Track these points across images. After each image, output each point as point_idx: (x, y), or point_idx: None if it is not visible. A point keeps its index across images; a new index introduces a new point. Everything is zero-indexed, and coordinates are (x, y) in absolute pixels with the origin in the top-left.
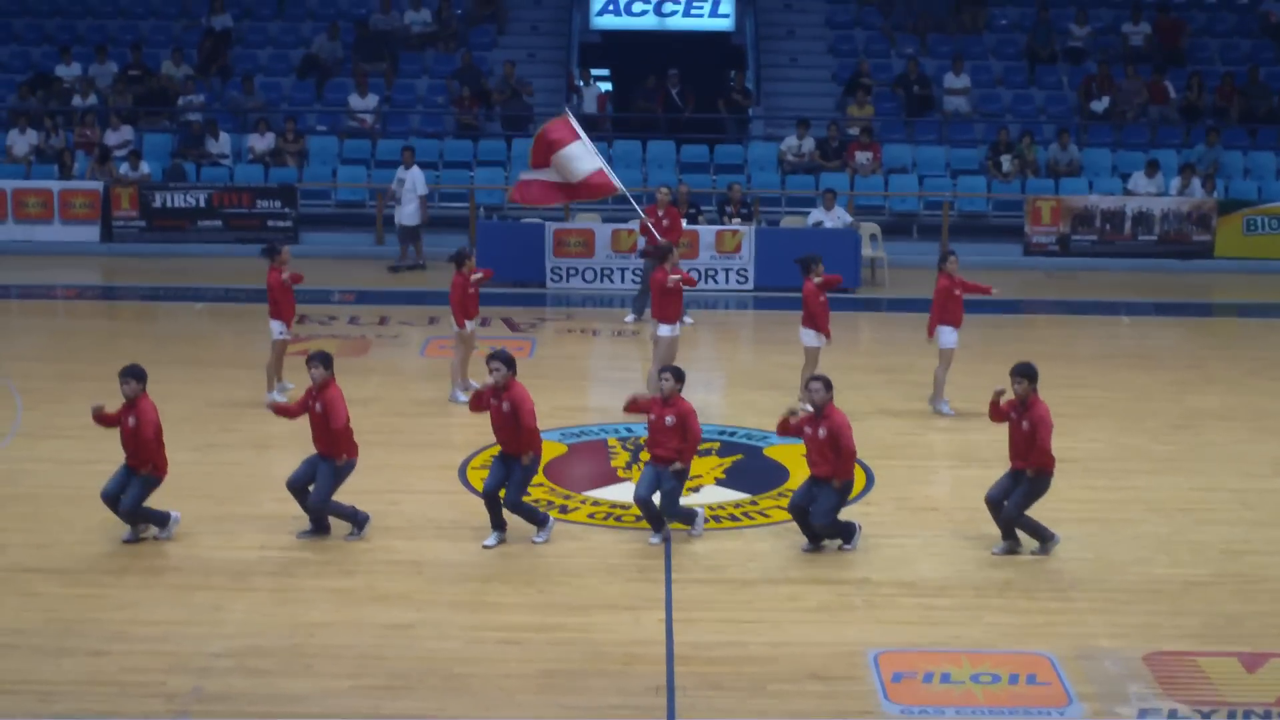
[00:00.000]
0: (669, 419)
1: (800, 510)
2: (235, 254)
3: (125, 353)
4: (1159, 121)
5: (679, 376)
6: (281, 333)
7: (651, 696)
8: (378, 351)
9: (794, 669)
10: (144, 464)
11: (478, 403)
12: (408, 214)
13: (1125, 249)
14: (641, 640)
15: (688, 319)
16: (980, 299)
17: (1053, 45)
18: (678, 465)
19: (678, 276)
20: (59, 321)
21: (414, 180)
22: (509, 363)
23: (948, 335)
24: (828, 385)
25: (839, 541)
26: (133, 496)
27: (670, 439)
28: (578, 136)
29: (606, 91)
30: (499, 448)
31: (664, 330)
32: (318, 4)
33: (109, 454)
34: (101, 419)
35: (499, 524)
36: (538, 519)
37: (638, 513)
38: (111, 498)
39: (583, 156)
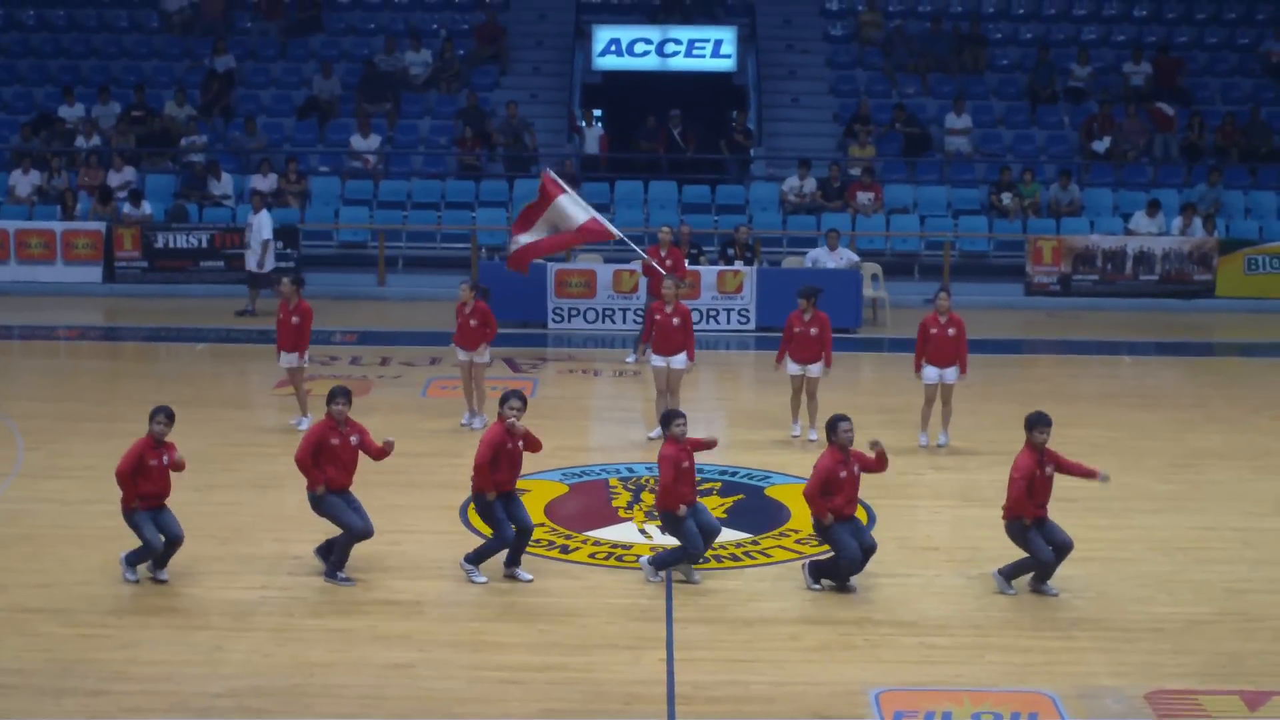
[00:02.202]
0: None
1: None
2: (237, 295)
3: (127, 393)
4: (1161, 160)
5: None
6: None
7: None
8: (380, 392)
9: (795, 708)
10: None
11: (499, 444)
12: (255, 260)
13: (1127, 288)
14: (642, 680)
15: (630, 358)
16: (981, 338)
17: (1054, 85)
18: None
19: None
20: (61, 362)
21: (259, 225)
22: (525, 402)
23: (925, 371)
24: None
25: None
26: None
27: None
28: (563, 190)
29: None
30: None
31: (655, 361)
32: (320, 45)
33: (109, 494)
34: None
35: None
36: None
37: (639, 553)
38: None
39: (572, 207)
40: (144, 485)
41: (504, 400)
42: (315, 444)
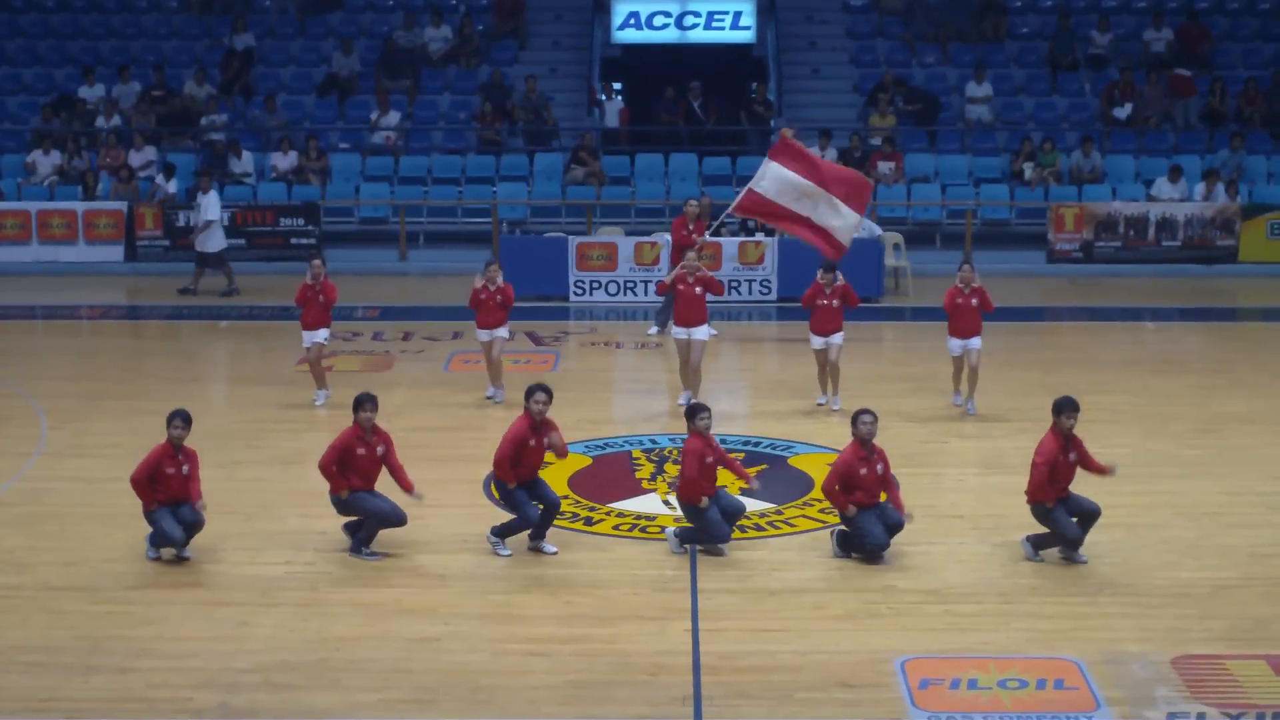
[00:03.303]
0: (708, 458)
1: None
2: (259, 272)
3: (150, 372)
4: (1183, 127)
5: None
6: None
7: (679, 706)
8: (402, 367)
9: (821, 677)
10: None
11: (521, 441)
12: (206, 240)
13: (1149, 255)
14: (668, 650)
15: (651, 330)
16: (1004, 305)
17: (1074, 53)
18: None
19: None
20: (83, 341)
21: (205, 205)
22: (551, 395)
23: (950, 343)
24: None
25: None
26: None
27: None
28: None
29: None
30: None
31: (677, 333)
32: (339, 22)
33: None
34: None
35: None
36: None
37: (663, 523)
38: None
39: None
40: (161, 493)
41: (529, 394)
42: (340, 453)
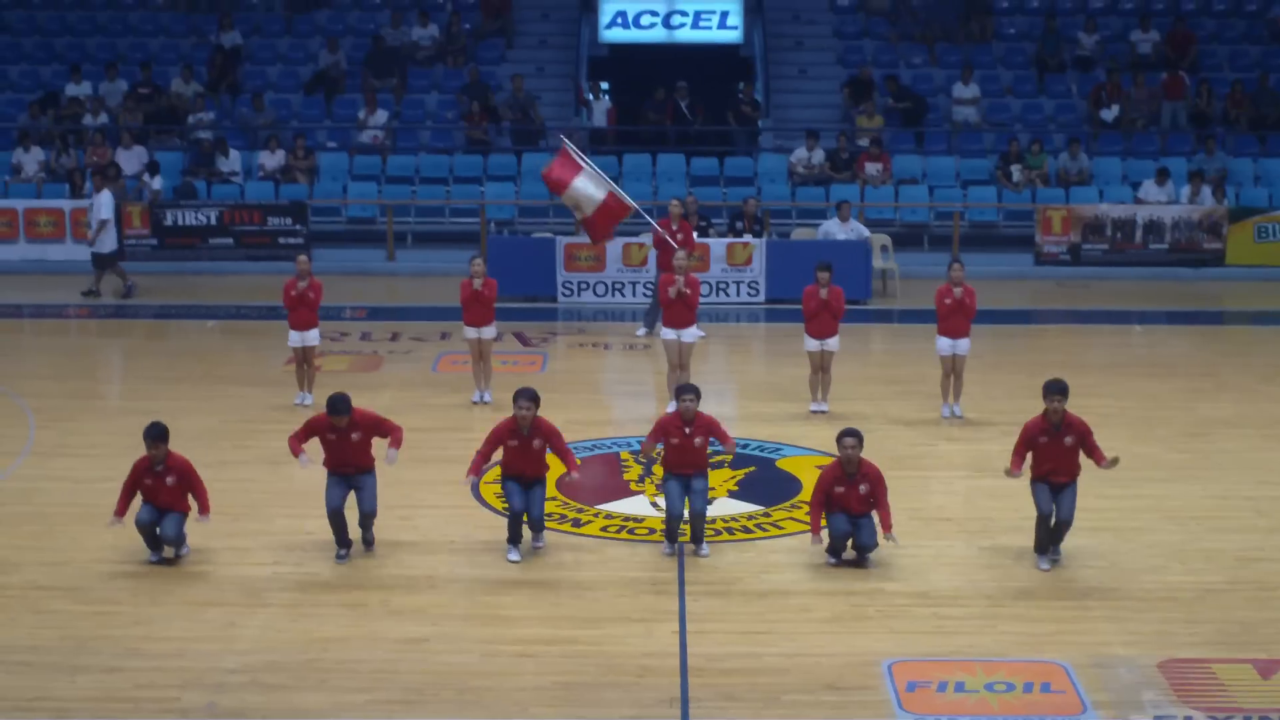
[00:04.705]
0: (697, 440)
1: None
2: (247, 271)
3: (137, 371)
4: (1170, 129)
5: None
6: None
7: (665, 708)
8: (390, 367)
9: (808, 680)
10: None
11: (500, 438)
12: (100, 240)
13: (1136, 257)
14: (655, 652)
15: (640, 331)
16: (991, 308)
17: (1061, 54)
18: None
19: (675, 287)
20: (71, 340)
21: (99, 204)
22: (536, 401)
23: (938, 342)
24: (860, 440)
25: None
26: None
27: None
28: (580, 168)
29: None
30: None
31: (666, 334)
32: (326, 20)
33: (120, 472)
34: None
35: (519, 538)
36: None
37: (651, 525)
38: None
39: (588, 186)
40: (143, 496)
41: (515, 399)
42: (308, 433)
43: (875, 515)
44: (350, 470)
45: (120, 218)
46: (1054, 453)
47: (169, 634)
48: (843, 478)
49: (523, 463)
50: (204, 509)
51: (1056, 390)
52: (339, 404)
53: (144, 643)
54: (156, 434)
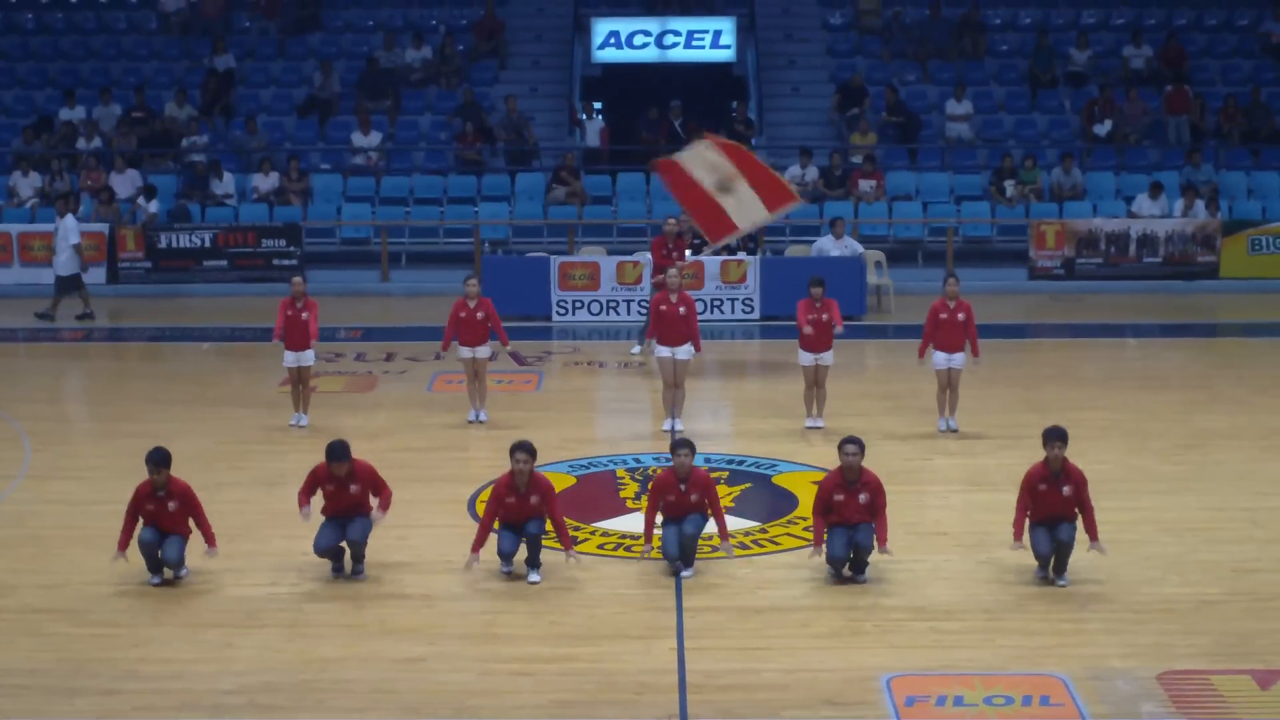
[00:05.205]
0: (693, 497)
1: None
2: (241, 293)
3: (133, 393)
4: (1174, 143)
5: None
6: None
7: None
8: (385, 387)
9: (807, 695)
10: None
11: (499, 498)
12: (61, 263)
13: (1130, 271)
14: (653, 669)
15: (634, 350)
16: (985, 323)
17: (1054, 70)
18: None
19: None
20: (66, 363)
21: (65, 229)
22: (533, 454)
23: (935, 357)
24: (862, 448)
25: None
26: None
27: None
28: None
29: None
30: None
31: (660, 352)
32: (319, 43)
33: (116, 494)
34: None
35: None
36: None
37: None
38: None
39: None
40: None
41: (511, 452)
42: (312, 486)
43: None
44: (344, 516)
45: (114, 241)
46: (1052, 500)
47: (166, 655)
48: (843, 485)
49: (518, 514)
50: (210, 541)
51: (1056, 437)
52: (338, 451)
53: (141, 664)
54: (159, 459)
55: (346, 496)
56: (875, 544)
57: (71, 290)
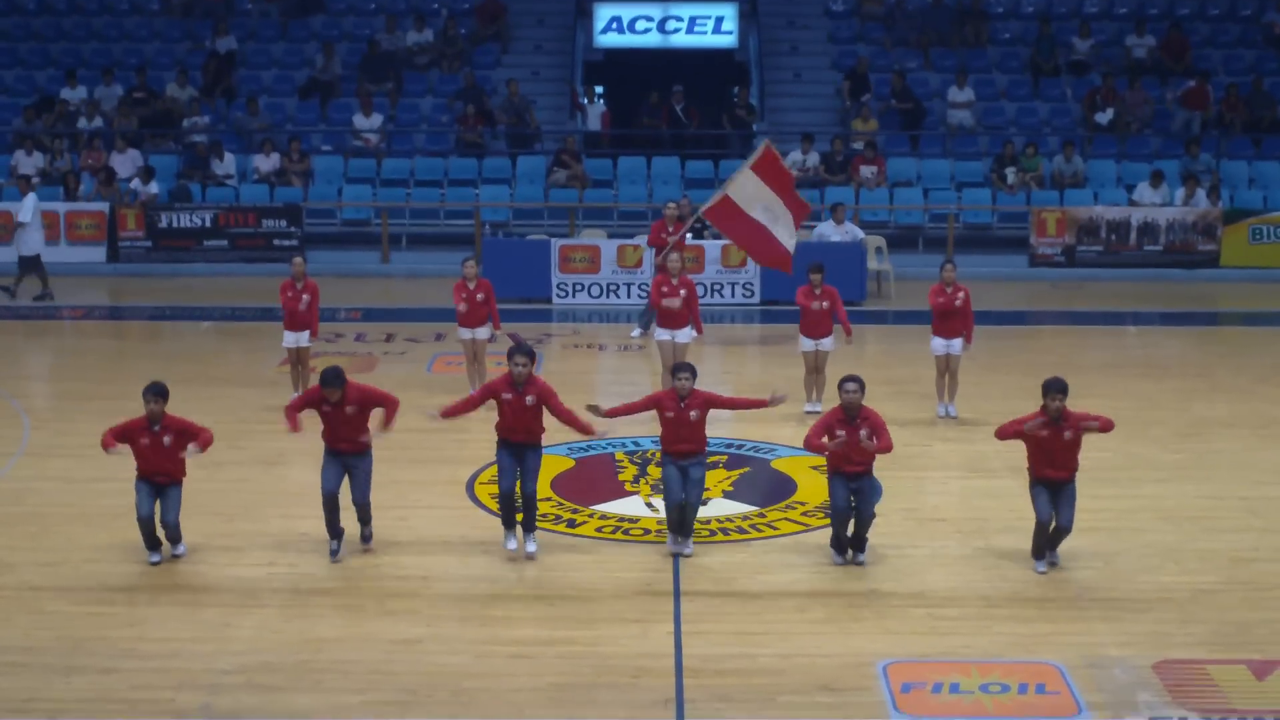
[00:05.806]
0: (693, 414)
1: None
2: (241, 273)
3: (132, 372)
4: (1192, 138)
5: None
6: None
7: (660, 709)
8: (384, 368)
9: (803, 680)
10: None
11: (494, 391)
12: (23, 243)
13: (1131, 259)
14: (650, 653)
15: (634, 333)
16: (985, 309)
17: (1056, 58)
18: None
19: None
20: (66, 341)
21: (24, 209)
22: (532, 357)
23: (932, 343)
24: (862, 385)
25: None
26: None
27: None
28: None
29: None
30: (499, 442)
31: (660, 335)
32: (321, 25)
33: (115, 472)
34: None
35: (513, 523)
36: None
37: (646, 526)
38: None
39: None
40: (139, 464)
41: (509, 355)
42: (304, 403)
43: (874, 472)
44: (345, 447)
45: (115, 220)
46: (1053, 446)
47: (164, 635)
48: (844, 420)
49: (514, 420)
50: (204, 443)
51: (1057, 389)
52: (331, 377)
53: (139, 643)
54: (158, 390)
55: (343, 419)
56: (872, 445)
57: (31, 270)
